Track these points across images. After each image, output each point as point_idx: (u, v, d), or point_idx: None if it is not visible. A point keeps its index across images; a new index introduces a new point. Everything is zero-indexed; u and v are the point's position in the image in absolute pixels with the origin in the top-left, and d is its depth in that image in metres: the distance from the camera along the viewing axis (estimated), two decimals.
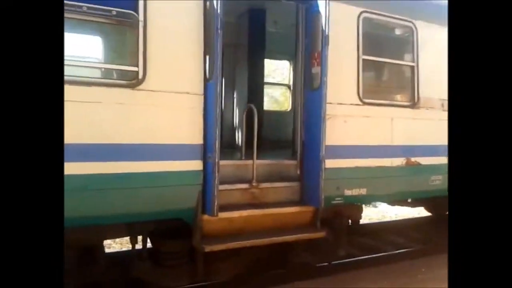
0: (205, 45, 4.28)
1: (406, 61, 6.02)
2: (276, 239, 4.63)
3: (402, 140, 5.79)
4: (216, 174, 4.16)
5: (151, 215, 4.20)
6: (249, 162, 4.95)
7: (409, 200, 7.10)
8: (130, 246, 4.61)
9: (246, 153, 5.44)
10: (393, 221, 8.84)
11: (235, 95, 8.05)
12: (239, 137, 7.93)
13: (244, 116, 5.15)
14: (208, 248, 4.22)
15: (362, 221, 8.92)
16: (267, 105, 9.31)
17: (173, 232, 4.54)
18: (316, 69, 5.01)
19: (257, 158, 4.96)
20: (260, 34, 7.51)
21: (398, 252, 6.69)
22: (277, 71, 13.25)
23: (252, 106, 5.07)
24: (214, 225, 4.38)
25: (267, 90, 9.58)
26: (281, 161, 5.43)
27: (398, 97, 6.07)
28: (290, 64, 8.86)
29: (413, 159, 5.91)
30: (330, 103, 5.10)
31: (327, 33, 4.84)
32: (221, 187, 4.57)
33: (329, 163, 5.04)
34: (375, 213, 10.67)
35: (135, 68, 3.95)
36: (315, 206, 4.92)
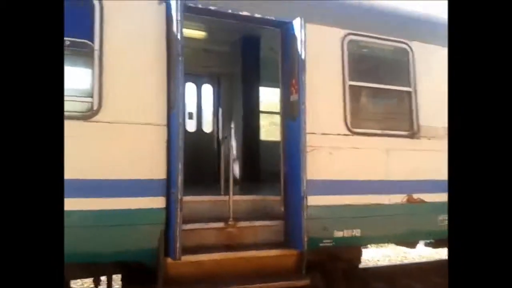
0: (168, 73, 4.05)
1: (401, 86, 5.50)
2: (251, 287, 4.12)
3: (401, 175, 5.25)
4: (179, 212, 3.80)
5: (109, 257, 3.85)
6: (233, 198, 4.53)
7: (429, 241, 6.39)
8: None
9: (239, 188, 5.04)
10: (406, 264, 8.01)
11: (232, 126, 7.78)
12: (234, 170, 7.59)
13: (222, 146, 4.77)
14: None
15: (373, 264, 8.34)
16: (266, 134, 8.95)
17: (140, 276, 4.14)
18: (294, 97, 4.66)
19: (246, 193, 4.58)
20: (253, 61, 7.33)
21: None
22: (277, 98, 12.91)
23: (227, 136, 4.76)
24: (180, 269, 3.96)
25: (267, 119, 9.26)
26: (265, 196, 5.02)
27: (394, 126, 5.48)
28: None
29: (415, 196, 5.33)
30: (313, 133, 4.71)
31: (303, 58, 4.54)
32: (191, 226, 4.24)
33: (314, 200, 4.58)
34: (395, 254, 9.81)
35: (89, 99, 3.74)
36: (298, 249, 4.42)
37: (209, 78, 8.06)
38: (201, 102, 8.11)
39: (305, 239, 4.33)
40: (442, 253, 8.38)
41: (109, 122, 3.77)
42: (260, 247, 4.46)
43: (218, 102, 7.99)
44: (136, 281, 4.16)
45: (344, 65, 5.00)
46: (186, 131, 7.83)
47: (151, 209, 3.87)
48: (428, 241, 6.49)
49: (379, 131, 5.26)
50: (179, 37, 3.91)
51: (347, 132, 4.95)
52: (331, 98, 4.93)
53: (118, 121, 3.80)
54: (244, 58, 7.35)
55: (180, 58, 3.95)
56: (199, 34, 6.90)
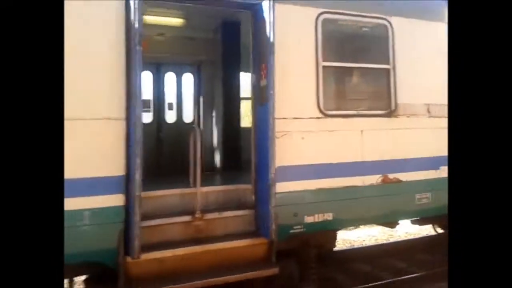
0: (127, 64, 3.83)
1: (380, 64, 5.28)
2: (217, 280, 4.02)
3: (377, 155, 5.10)
4: (137, 209, 3.66)
5: (70, 258, 3.69)
6: (200, 190, 4.38)
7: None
8: None
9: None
10: (389, 243, 7.90)
11: (213, 114, 7.58)
12: (217, 159, 7.45)
13: (191, 137, 4.57)
14: None
15: (358, 244, 8.27)
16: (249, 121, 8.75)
17: (103, 276, 4.02)
18: (264, 82, 4.47)
19: (217, 184, 4.43)
20: (234, 47, 7.07)
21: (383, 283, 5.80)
22: None
23: (196, 126, 4.58)
24: (141, 268, 3.84)
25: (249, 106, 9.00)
26: (237, 186, 4.87)
27: (370, 106, 5.36)
28: None
29: (391, 176, 5.19)
30: (284, 118, 4.54)
31: (272, 41, 4.32)
32: (153, 222, 4.11)
33: (283, 187, 4.45)
34: (382, 233, 9.79)
35: None
36: (266, 237, 4.30)
37: (190, 67, 7.79)
38: (181, 92, 7.84)
39: (273, 227, 4.22)
40: (429, 230, 8.34)
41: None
42: (230, 238, 4.35)
43: (199, 91, 7.73)
44: (100, 282, 4.04)
45: (318, 46, 4.78)
46: (165, 123, 7.66)
47: (109, 207, 3.73)
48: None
49: (354, 112, 5.11)
50: (137, 25, 3.68)
51: (320, 115, 4.77)
52: (303, 81, 4.74)
53: (71, 117, 3.58)
54: (225, 44, 7.07)
55: (137, 48, 3.73)
56: (177, 21, 6.62)
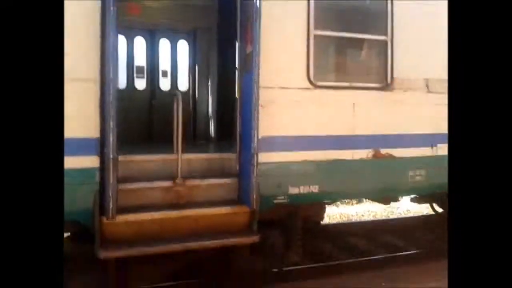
0: (102, 26, 3.75)
1: (376, 35, 5.06)
2: (194, 245, 4.02)
3: (369, 129, 4.96)
4: (112, 171, 3.64)
5: None
6: (179, 156, 4.30)
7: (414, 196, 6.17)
8: None
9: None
10: (375, 220, 7.83)
11: (209, 83, 7.48)
12: (212, 129, 7.41)
13: (175, 105, 4.50)
14: (103, 255, 3.70)
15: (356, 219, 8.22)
16: None
17: (81, 235, 4.08)
18: (249, 49, 4.34)
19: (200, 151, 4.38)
20: (231, 15, 6.87)
21: (359, 260, 5.75)
22: None
23: (178, 93, 4.50)
24: (117, 229, 3.86)
25: None
26: (221, 154, 4.82)
27: (365, 78, 5.16)
28: None
29: (383, 151, 5.06)
30: (270, 87, 4.43)
31: (258, 5, 4.16)
32: (134, 185, 4.12)
33: (267, 157, 4.38)
34: (383, 211, 9.69)
35: None
36: (248, 206, 4.26)
37: (185, 34, 7.64)
38: (176, 60, 7.72)
39: (255, 196, 4.17)
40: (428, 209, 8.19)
41: None
42: (210, 205, 4.32)
43: (194, 59, 7.60)
44: (81, 240, 4.10)
45: (310, 13, 4.59)
46: (159, 90, 7.58)
47: (83, 168, 3.73)
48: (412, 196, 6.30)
49: (346, 84, 4.94)
50: None
51: (309, 86, 4.64)
52: (292, 49, 4.60)
53: None
54: (221, 11, 6.89)
55: (112, 9, 3.63)
56: None
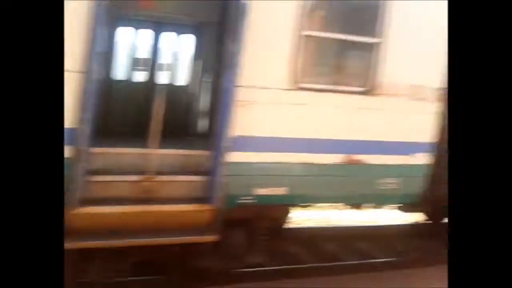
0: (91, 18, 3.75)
1: (365, 38, 4.94)
2: (154, 241, 4.05)
3: (343, 134, 4.98)
4: (79, 163, 3.66)
5: None
6: (152, 151, 4.32)
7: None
8: None
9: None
10: (344, 226, 7.88)
11: (207, 79, 7.42)
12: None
13: (156, 99, 4.45)
14: (66, 246, 3.70)
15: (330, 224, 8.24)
16: None
17: None
18: (232, 46, 4.35)
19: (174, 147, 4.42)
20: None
21: (316, 266, 5.81)
22: None
23: (163, 88, 4.52)
24: (82, 221, 3.86)
25: None
26: (196, 151, 4.83)
27: (348, 82, 5.05)
28: None
29: (354, 157, 5.12)
30: (252, 86, 4.45)
31: (244, 5, 4.19)
32: (103, 177, 4.11)
33: (238, 157, 4.43)
34: (354, 216, 9.67)
35: None
36: (212, 205, 4.30)
37: (189, 28, 7.58)
38: (179, 54, 7.67)
39: (220, 195, 4.21)
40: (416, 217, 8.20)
41: None
42: (175, 201, 4.33)
43: (197, 53, 7.55)
44: None
45: (298, 13, 4.56)
46: (157, 84, 7.52)
47: None
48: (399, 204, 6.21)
49: (328, 87, 4.88)
50: None
51: (292, 87, 4.64)
52: (277, 50, 4.56)
53: None
54: (225, 6, 6.82)
55: (103, 2, 3.66)
56: None
